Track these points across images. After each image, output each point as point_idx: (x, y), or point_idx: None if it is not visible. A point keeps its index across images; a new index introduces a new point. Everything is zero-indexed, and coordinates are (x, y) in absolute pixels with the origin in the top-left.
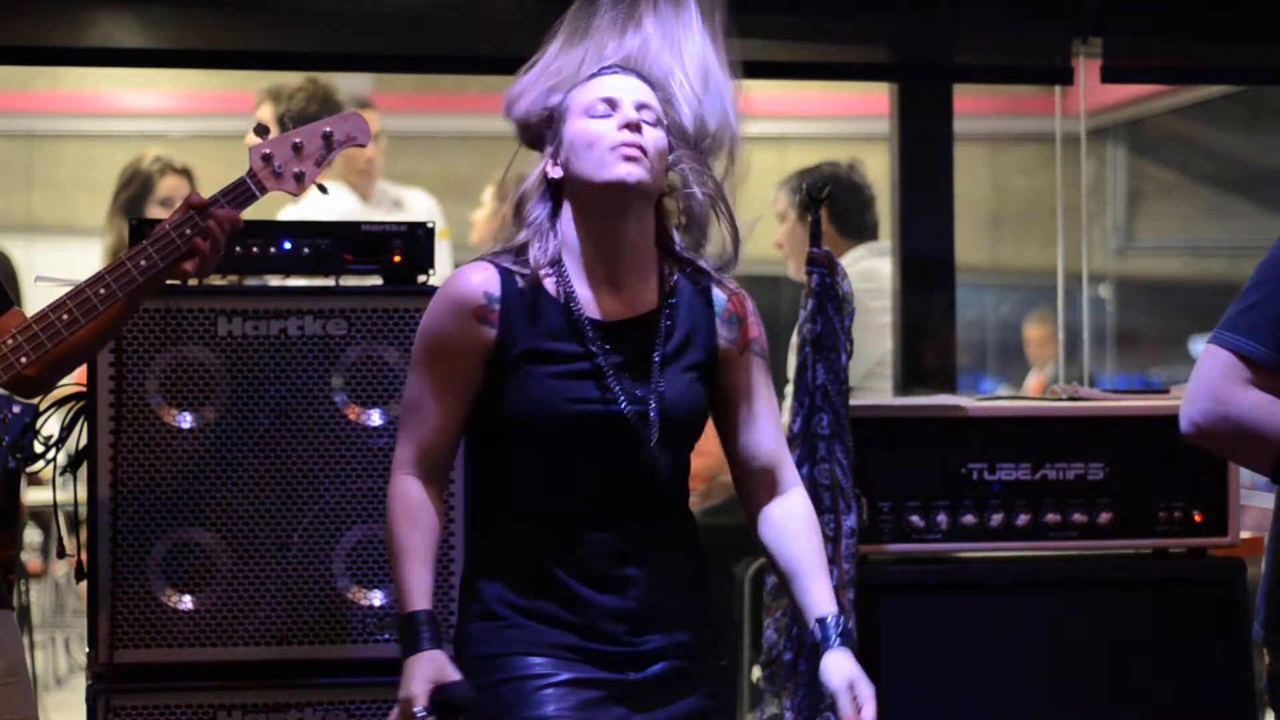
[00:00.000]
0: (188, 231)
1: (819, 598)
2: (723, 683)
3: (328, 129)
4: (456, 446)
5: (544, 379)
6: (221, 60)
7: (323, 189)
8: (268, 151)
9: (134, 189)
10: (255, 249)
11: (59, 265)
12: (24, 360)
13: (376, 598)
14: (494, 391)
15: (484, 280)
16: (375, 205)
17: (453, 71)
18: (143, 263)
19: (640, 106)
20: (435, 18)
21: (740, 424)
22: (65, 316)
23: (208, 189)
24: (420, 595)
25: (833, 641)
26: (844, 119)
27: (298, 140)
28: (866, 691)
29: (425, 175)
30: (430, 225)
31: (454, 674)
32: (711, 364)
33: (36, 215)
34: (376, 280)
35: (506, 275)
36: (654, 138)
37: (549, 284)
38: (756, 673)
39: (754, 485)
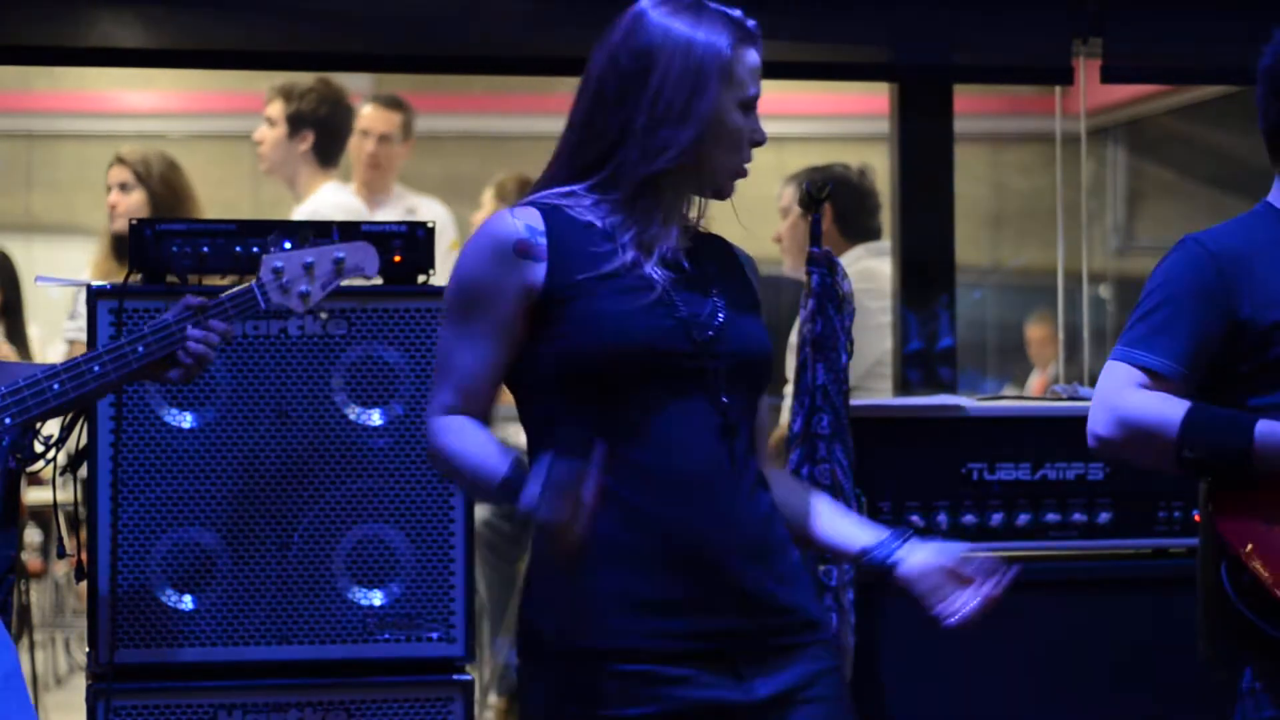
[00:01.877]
0: (188, 327)
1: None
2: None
3: (339, 254)
4: (494, 399)
5: (607, 313)
6: (220, 60)
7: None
8: (279, 265)
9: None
10: (256, 249)
11: (58, 265)
12: (8, 421)
13: (377, 597)
14: (547, 333)
15: (524, 215)
16: (389, 208)
17: (454, 71)
18: (140, 349)
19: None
20: (436, 17)
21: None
22: (57, 386)
23: (207, 189)
24: (502, 458)
25: (895, 546)
26: (844, 119)
27: (309, 260)
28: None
29: (427, 175)
30: (430, 225)
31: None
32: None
33: (36, 215)
34: (377, 280)
35: (551, 210)
36: None
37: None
38: None
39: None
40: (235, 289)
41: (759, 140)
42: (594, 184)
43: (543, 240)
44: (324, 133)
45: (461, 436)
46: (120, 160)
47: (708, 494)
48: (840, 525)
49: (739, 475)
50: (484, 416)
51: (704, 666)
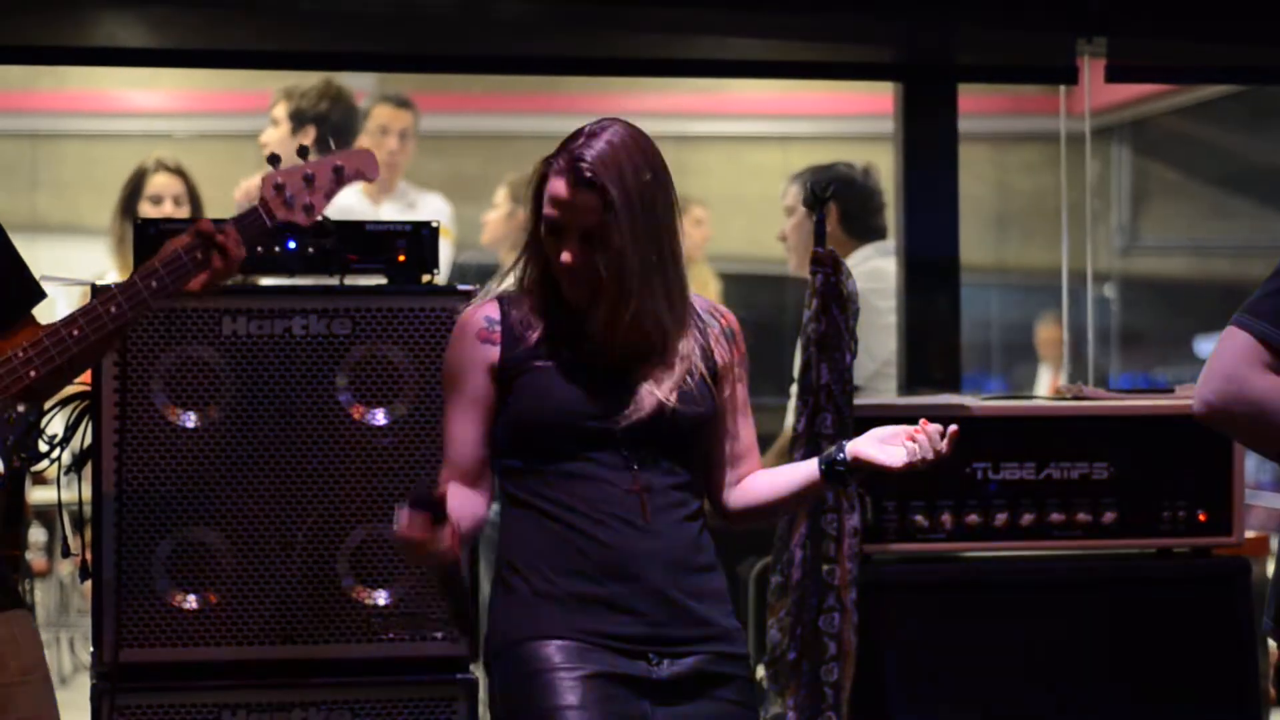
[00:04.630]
0: (198, 255)
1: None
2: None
3: (339, 163)
4: (487, 461)
5: (540, 386)
6: (225, 60)
7: (327, 224)
8: (280, 181)
9: (129, 188)
10: (260, 248)
11: (64, 264)
12: (33, 374)
13: (381, 597)
14: (507, 400)
15: (485, 308)
16: (391, 203)
17: (458, 71)
18: (153, 284)
19: None
20: (440, 17)
21: (729, 437)
22: (75, 332)
23: (212, 188)
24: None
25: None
26: (848, 118)
27: (309, 172)
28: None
29: (430, 174)
30: (435, 225)
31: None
32: (712, 374)
33: (41, 214)
34: (381, 279)
35: (505, 302)
36: None
37: (542, 306)
38: (760, 672)
39: (731, 491)
40: (240, 213)
41: (561, 262)
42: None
43: (498, 328)
44: (328, 130)
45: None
46: (173, 170)
47: (626, 524)
48: (789, 469)
49: (657, 512)
50: (481, 482)
51: (619, 653)
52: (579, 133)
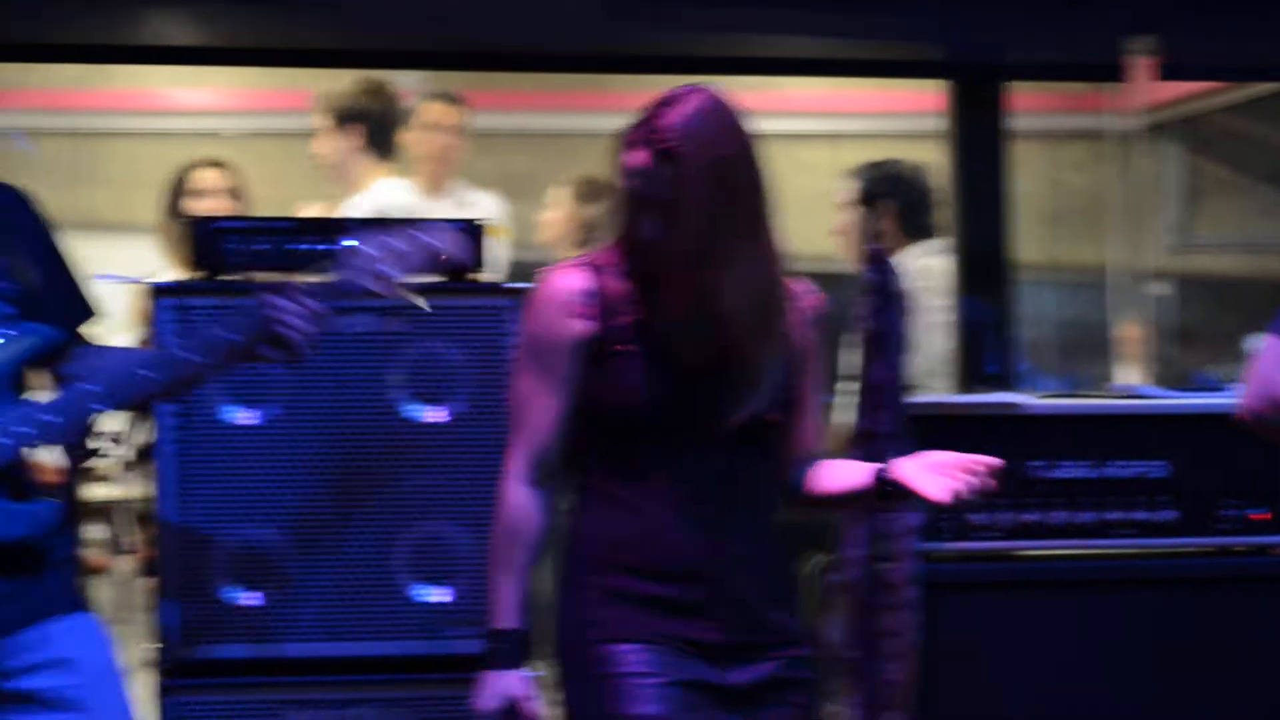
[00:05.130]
0: (282, 302)
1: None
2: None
3: (422, 238)
4: (561, 440)
5: (625, 373)
6: (273, 58)
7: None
8: (360, 248)
9: (173, 187)
10: (313, 246)
11: (115, 262)
12: (98, 407)
13: (440, 594)
14: (589, 380)
15: (574, 275)
16: (444, 201)
17: (508, 69)
18: (237, 336)
19: None
20: (490, 14)
21: (803, 426)
22: (154, 375)
23: (261, 187)
24: (512, 612)
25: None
26: (898, 116)
27: (391, 244)
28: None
29: (480, 172)
30: (482, 223)
31: (532, 700)
32: (790, 359)
33: (92, 213)
34: (435, 277)
35: (596, 271)
36: None
37: (629, 281)
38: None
39: (800, 479)
40: (330, 277)
41: (638, 236)
42: None
43: (591, 301)
44: (374, 127)
45: (512, 541)
46: (215, 164)
47: (707, 525)
48: (852, 469)
49: (739, 512)
50: (552, 471)
51: (698, 659)
52: (660, 99)
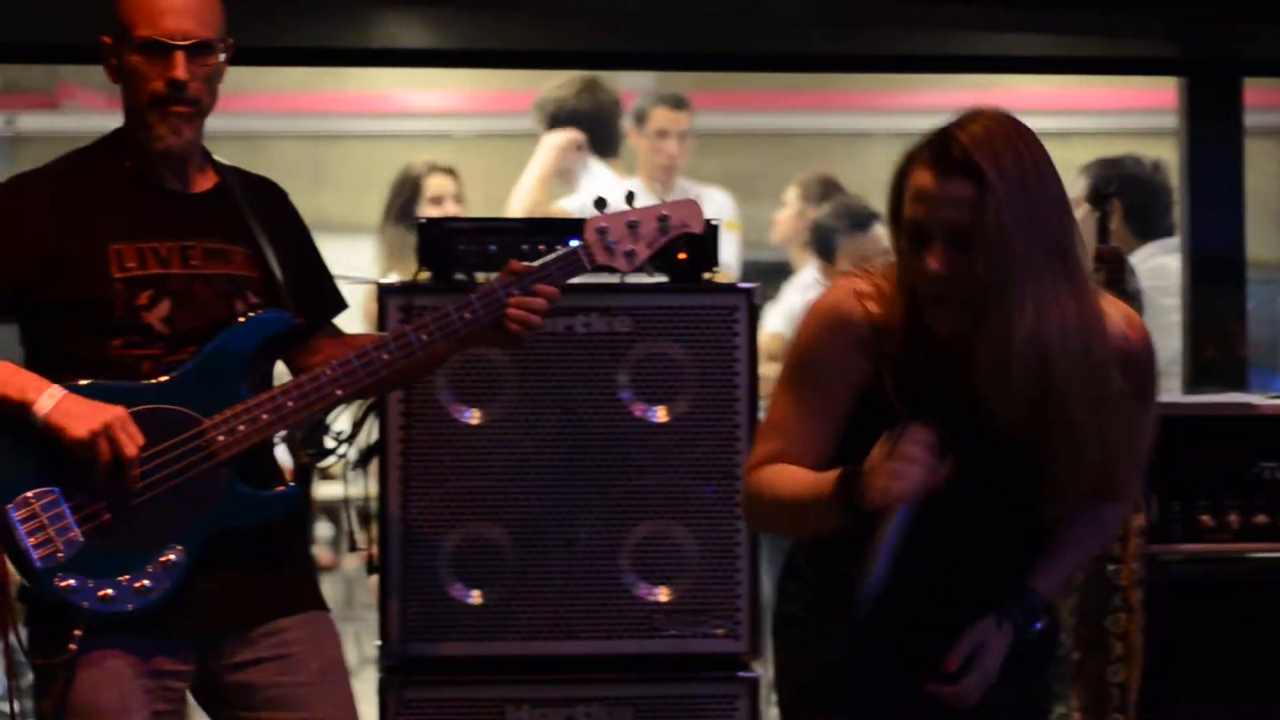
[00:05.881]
0: (514, 291)
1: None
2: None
3: (665, 213)
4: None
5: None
6: (505, 60)
7: (650, 269)
8: (604, 225)
9: (406, 194)
10: (542, 245)
11: (347, 264)
12: (339, 393)
13: (662, 594)
14: (860, 424)
15: (868, 305)
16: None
17: (734, 69)
18: (466, 315)
19: None
20: (716, 15)
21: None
22: (385, 356)
23: (490, 187)
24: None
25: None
26: (1130, 113)
27: (634, 219)
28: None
29: (706, 172)
30: (716, 222)
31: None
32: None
33: (324, 214)
34: (662, 278)
35: (886, 302)
36: None
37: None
38: None
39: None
40: (560, 252)
41: (928, 273)
42: None
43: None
44: (589, 127)
45: (774, 477)
46: (446, 170)
47: (973, 594)
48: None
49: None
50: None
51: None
52: (951, 121)
